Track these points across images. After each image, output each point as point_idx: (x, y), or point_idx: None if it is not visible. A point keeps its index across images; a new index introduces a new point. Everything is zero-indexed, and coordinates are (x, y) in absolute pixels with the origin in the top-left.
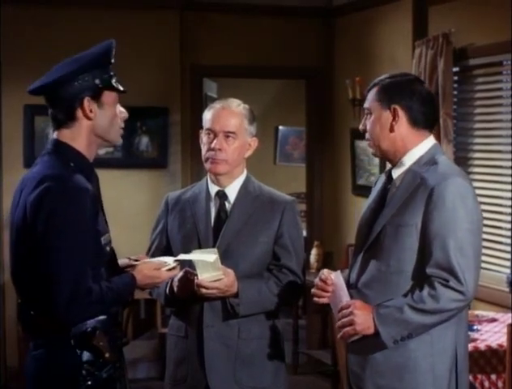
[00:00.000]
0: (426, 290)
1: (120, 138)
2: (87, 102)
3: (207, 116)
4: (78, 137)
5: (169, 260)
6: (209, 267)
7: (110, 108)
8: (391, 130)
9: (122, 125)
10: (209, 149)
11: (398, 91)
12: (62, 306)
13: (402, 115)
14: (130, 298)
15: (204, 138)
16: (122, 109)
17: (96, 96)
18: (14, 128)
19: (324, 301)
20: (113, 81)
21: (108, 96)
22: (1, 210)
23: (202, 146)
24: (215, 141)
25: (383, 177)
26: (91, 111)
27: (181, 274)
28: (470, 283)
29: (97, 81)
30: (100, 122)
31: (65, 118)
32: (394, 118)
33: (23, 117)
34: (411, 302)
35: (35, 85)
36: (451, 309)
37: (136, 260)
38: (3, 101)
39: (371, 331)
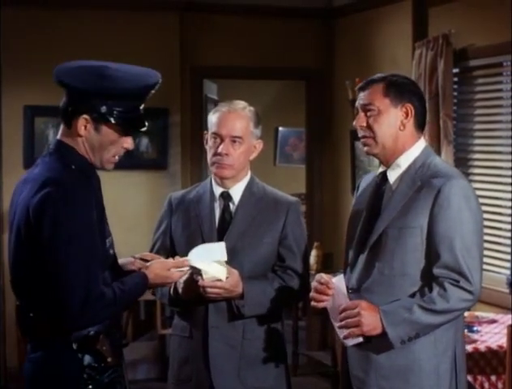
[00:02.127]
0: (436, 290)
1: (108, 166)
2: (82, 119)
3: (213, 119)
4: (76, 143)
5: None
6: (214, 266)
7: (107, 136)
8: (401, 128)
9: (120, 153)
10: (215, 153)
11: (409, 91)
12: (75, 312)
13: (413, 114)
14: (140, 297)
15: (210, 141)
16: (130, 141)
17: (96, 121)
18: (14, 129)
19: (323, 305)
20: (121, 117)
21: (109, 126)
22: (1, 211)
23: (207, 149)
24: (221, 146)
25: (370, 178)
26: (85, 128)
27: (186, 276)
28: (477, 282)
29: (103, 109)
30: (90, 141)
31: (65, 121)
32: (406, 116)
33: (22, 118)
34: (421, 302)
35: (62, 73)
36: (461, 308)
37: (142, 259)
38: (3, 102)
39: (378, 331)
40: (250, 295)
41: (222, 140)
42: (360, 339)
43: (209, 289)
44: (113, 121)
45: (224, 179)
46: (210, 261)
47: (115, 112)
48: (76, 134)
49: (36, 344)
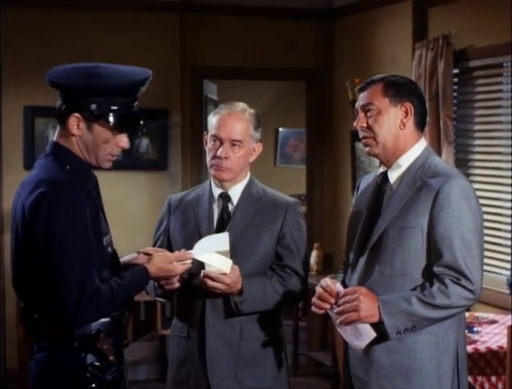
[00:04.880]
0: (436, 285)
1: (105, 165)
2: (74, 118)
3: (213, 121)
4: (71, 143)
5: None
6: (216, 257)
7: (99, 134)
8: (401, 127)
9: (116, 152)
10: (214, 156)
11: (408, 90)
12: (71, 309)
13: (413, 113)
14: (142, 291)
15: (210, 144)
16: (125, 140)
17: (88, 119)
18: (15, 129)
19: (323, 312)
20: (112, 114)
21: (101, 124)
22: (1, 211)
23: (207, 150)
24: (220, 149)
25: (370, 179)
26: (77, 127)
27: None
28: (478, 282)
29: (93, 106)
30: (84, 140)
31: (59, 120)
32: (406, 115)
33: (23, 119)
34: (421, 295)
35: (53, 74)
36: (460, 306)
37: (145, 253)
38: (3, 103)
39: (375, 319)
40: (249, 291)
41: (221, 143)
42: (374, 334)
43: (210, 282)
44: (104, 119)
45: (222, 181)
46: (212, 251)
47: (106, 110)
48: (70, 134)
49: (41, 344)
